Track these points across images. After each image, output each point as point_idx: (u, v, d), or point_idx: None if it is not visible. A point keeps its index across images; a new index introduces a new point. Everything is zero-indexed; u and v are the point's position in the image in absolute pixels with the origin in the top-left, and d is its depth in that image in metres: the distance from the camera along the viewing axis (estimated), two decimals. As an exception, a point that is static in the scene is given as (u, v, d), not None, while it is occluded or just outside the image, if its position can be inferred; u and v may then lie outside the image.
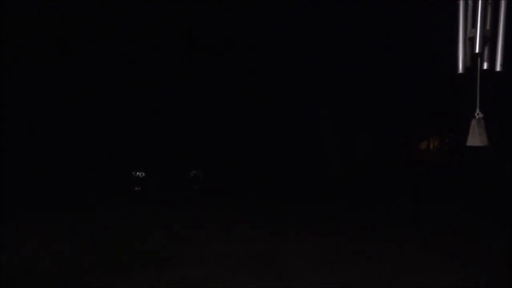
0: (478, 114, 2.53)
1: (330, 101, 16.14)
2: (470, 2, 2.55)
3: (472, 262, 5.36)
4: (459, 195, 11.69)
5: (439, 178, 16.69)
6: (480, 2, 2.47)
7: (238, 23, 13.40)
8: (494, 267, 5.16)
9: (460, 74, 2.57)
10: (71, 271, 4.99)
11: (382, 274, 4.88)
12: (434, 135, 25.38)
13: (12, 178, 11.48)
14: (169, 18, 12.77)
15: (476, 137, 2.48)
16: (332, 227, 7.53)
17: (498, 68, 2.50)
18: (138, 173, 9.61)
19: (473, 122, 2.52)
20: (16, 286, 4.52)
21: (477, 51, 2.48)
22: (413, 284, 4.61)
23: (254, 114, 15.86)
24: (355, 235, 6.89)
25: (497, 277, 4.84)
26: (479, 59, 2.52)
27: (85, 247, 6.07)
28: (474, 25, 2.52)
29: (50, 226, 7.41)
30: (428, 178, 16.83)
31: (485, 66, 2.54)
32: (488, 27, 2.50)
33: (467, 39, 2.56)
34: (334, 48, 14.02)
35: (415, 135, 24.54)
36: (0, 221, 7.68)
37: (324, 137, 17.23)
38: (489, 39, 2.51)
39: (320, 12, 12.82)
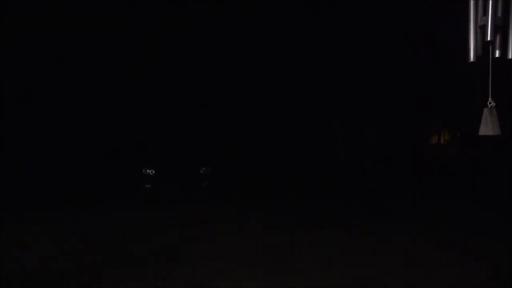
0: (490, 103, 2.48)
1: (339, 95, 16.06)
2: (480, -11, 2.50)
3: (482, 257, 5.30)
4: (470, 190, 11.56)
5: (450, 173, 16.50)
6: (490, -11, 2.42)
7: (244, 22, 13.42)
8: (503, 262, 5.09)
9: (471, 62, 2.52)
10: (83, 268, 5.05)
11: (393, 269, 4.85)
12: (445, 129, 25.05)
13: (24, 177, 11.65)
14: (181, 17, 12.85)
15: (488, 126, 2.44)
16: (343, 223, 7.50)
17: (510, 55, 2.46)
18: (148, 170, 9.66)
19: (485, 111, 2.47)
20: (30, 284, 4.58)
21: (488, 39, 2.43)
22: (424, 279, 4.58)
23: (262, 111, 15.85)
24: (366, 230, 6.85)
25: (506, 272, 4.78)
26: (490, 47, 2.48)
27: (96, 244, 6.14)
28: (485, 13, 2.47)
29: (61, 224, 7.50)
30: (439, 172, 16.65)
31: (497, 54, 2.49)
32: (499, 14, 2.45)
33: (478, 27, 2.51)
34: (342, 41, 13.94)
35: (424, 129, 24.26)
36: (13, 220, 7.83)
37: (333, 132, 17.16)
38: (500, 27, 2.46)
39: (327, 6, 12.76)
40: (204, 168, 10.10)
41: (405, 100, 18.32)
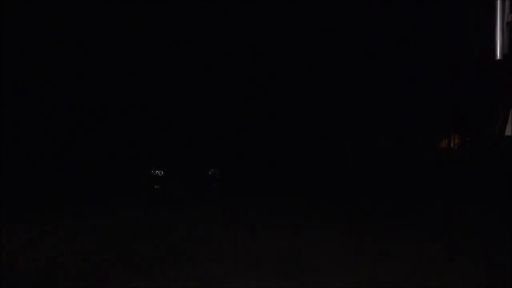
0: (518, 103, 2.38)
1: (349, 98, 15.96)
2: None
3: (497, 264, 5.15)
4: (482, 194, 11.39)
5: (461, 177, 16.30)
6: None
7: (258, 23, 13.39)
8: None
9: (498, 60, 2.42)
10: (91, 268, 5.01)
11: (404, 274, 4.72)
12: (455, 132, 24.81)
13: (31, 177, 11.70)
14: (189, 18, 12.87)
15: (516, 127, 2.33)
16: (352, 224, 7.41)
17: (539, 54, 2.36)
18: (157, 171, 9.63)
19: (512, 112, 2.38)
20: (38, 282, 4.55)
21: (517, 36, 2.33)
22: (432, 282, 4.47)
23: (272, 113, 15.79)
24: (375, 234, 6.73)
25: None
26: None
27: (104, 244, 6.10)
28: (512, 10, 2.38)
29: (70, 224, 7.50)
30: (450, 176, 16.45)
31: (525, 52, 2.38)
32: (528, 11, 2.35)
33: (505, 24, 2.41)
34: (354, 43, 13.86)
35: (435, 133, 24.04)
36: (20, 220, 7.84)
37: (343, 135, 17.05)
38: (529, 24, 2.36)
39: (340, 11, 12.70)
40: (212, 169, 10.05)
41: (415, 103, 18.17)
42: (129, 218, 8.08)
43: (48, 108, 13.14)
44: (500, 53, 2.43)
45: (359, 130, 17.58)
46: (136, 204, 9.62)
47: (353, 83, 15.62)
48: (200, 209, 9.15)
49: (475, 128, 21.21)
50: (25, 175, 11.69)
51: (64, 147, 13.21)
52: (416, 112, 19.14)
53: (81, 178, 12.38)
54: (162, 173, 9.62)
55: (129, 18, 12.61)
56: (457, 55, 13.26)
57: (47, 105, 13.11)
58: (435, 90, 17.65)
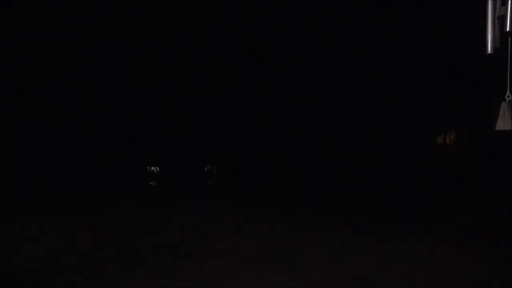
0: (508, 96, 2.39)
1: (347, 97, 15.97)
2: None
3: (491, 259, 5.18)
4: (478, 190, 11.43)
5: (457, 172, 16.36)
6: (510, -23, 2.33)
7: (258, 23, 13.37)
8: (506, 263, 4.97)
9: (489, 54, 2.42)
10: (89, 264, 5.01)
11: (404, 272, 4.74)
12: (451, 129, 24.86)
13: (29, 175, 11.67)
14: (188, 15, 12.83)
15: (507, 120, 2.34)
16: (350, 222, 7.42)
17: (530, 47, 2.36)
18: (152, 168, 9.61)
19: (503, 105, 2.38)
20: (36, 278, 4.55)
21: (507, 29, 2.33)
22: (430, 279, 4.50)
23: (271, 112, 15.77)
24: (373, 230, 6.76)
25: (507, 273, 4.67)
26: (510, 39, 2.38)
27: (102, 241, 6.10)
28: (504, 3, 2.38)
29: (67, 220, 7.48)
30: (446, 172, 16.51)
31: (516, 45, 2.39)
32: (519, 4, 2.35)
33: (496, 17, 2.42)
34: (353, 43, 13.86)
35: (431, 129, 24.06)
36: (19, 216, 7.82)
37: (341, 133, 17.07)
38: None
39: (340, 10, 12.69)
40: (209, 166, 10.04)
41: (410, 100, 18.19)
42: (125, 216, 8.07)
43: (47, 107, 13.10)
44: (491, 47, 2.44)
45: (359, 130, 17.58)
46: (132, 202, 9.59)
47: (353, 83, 15.63)
48: (198, 206, 9.15)
49: (472, 124, 21.26)
50: (23, 173, 11.66)
51: (62, 145, 13.17)
52: (414, 111, 19.16)
53: (80, 176, 12.35)
54: (158, 169, 9.60)
55: (129, 18, 12.56)
56: (451, 50, 13.28)
57: (46, 103, 13.07)
58: (431, 87, 17.67)
